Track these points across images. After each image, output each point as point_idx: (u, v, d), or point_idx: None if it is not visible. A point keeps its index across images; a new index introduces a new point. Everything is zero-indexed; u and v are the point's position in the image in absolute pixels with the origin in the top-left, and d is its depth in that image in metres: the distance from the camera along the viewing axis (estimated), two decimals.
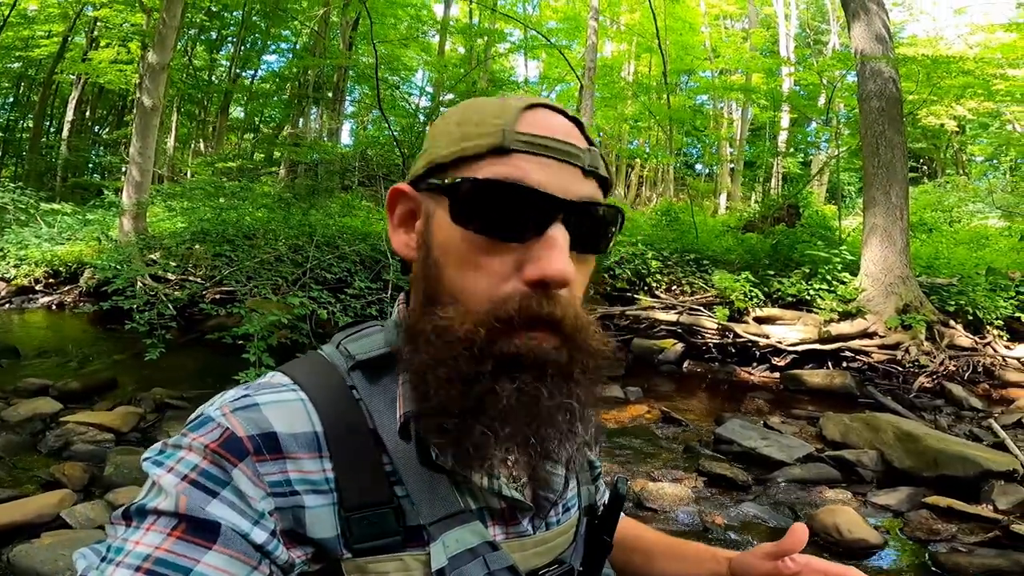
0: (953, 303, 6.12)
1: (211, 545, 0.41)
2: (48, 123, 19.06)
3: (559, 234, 0.48)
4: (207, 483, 0.43)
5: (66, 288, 8.83)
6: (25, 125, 19.65)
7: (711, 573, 0.72)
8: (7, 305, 8.67)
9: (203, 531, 0.42)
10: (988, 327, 6.03)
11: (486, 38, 17.47)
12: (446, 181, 0.50)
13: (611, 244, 0.55)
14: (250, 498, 0.44)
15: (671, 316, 6.36)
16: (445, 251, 0.51)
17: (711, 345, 6.20)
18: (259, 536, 0.43)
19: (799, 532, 0.61)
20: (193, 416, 0.48)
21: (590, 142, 0.53)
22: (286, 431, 0.47)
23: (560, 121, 0.52)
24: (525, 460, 0.54)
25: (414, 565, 0.48)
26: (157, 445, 0.47)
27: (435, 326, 0.49)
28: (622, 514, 0.86)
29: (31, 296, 8.92)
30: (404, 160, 9.11)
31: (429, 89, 19.36)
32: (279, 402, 0.49)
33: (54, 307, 8.51)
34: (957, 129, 12.57)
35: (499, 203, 0.48)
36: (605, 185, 0.54)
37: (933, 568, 2.52)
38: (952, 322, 6.03)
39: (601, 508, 0.68)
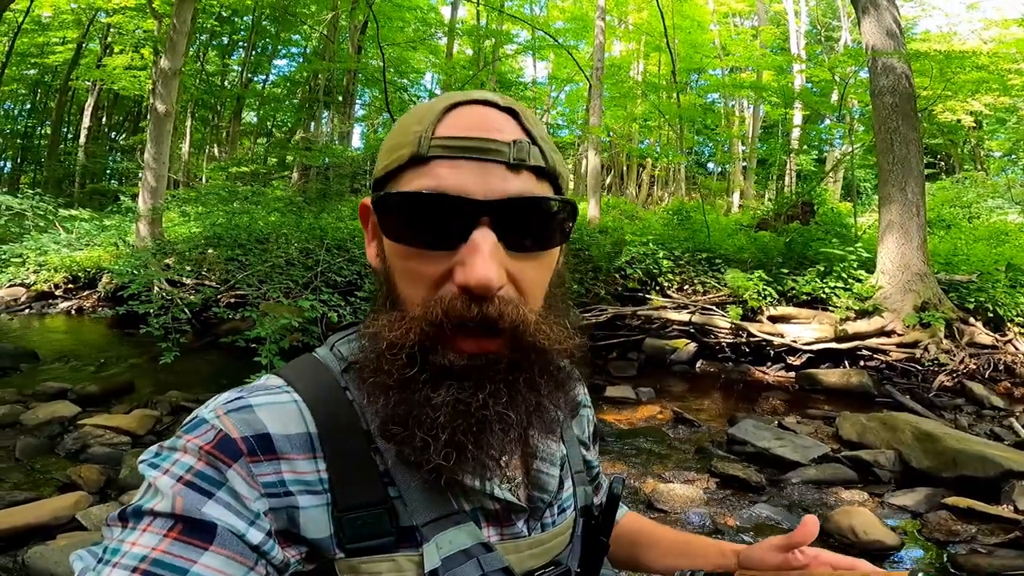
0: (972, 300, 6.00)
1: (207, 546, 0.41)
2: (65, 129, 19.43)
3: (482, 238, 0.47)
4: (202, 484, 0.44)
5: (85, 293, 8.99)
6: (43, 132, 20.06)
7: (717, 566, 0.72)
8: (27, 310, 8.84)
9: (199, 532, 0.42)
10: (1009, 324, 5.92)
11: (494, 40, 17.49)
12: (371, 199, 0.52)
13: (566, 236, 0.53)
14: (245, 499, 0.44)
15: (683, 316, 6.31)
16: (391, 262, 0.52)
17: (724, 345, 6.14)
18: (255, 536, 0.43)
19: (810, 524, 0.60)
20: (188, 418, 0.49)
21: (528, 132, 0.51)
22: (280, 432, 0.47)
23: (483, 115, 0.50)
24: (506, 461, 0.56)
25: (407, 566, 0.48)
26: (153, 447, 0.47)
27: (369, 334, 0.51)
28: (628, 509, 0.86)
29: (51, 301, 9.08)
30: None
31: (438, 91, 19.43)
32: (273, 403, 0.49)
33: (73, 312, 8.66)
34: (974, 124, 12.33)
35: (418, 214, 0.48)
36: (548, 176, 0.52)
37: (952, 570, 2.47)
38: (972, 319, 5.92)
39: (598, 508, 0.68)
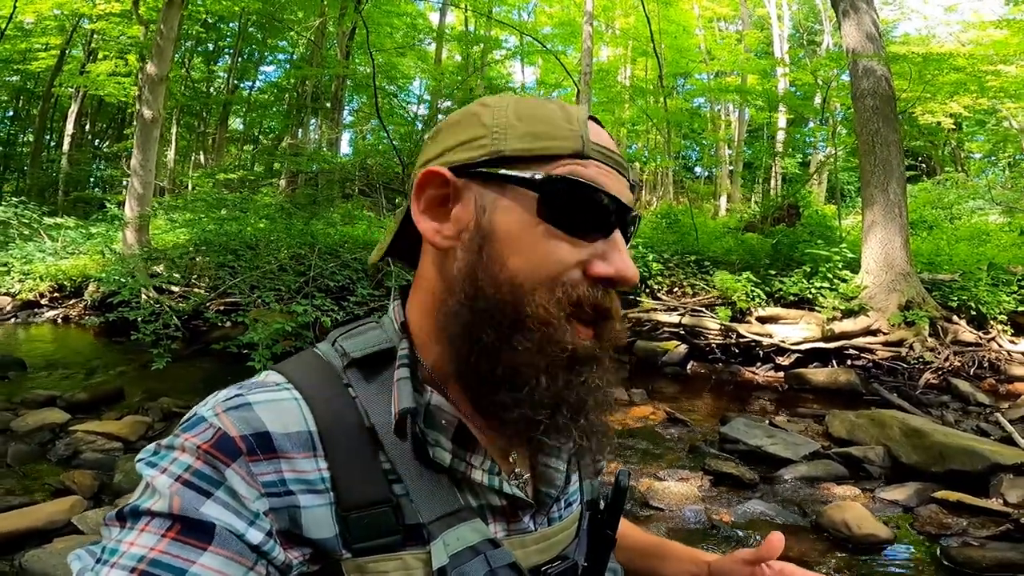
0: (956, 299, 6.12)
1: (206, 546, 0.41)
2: (48, 137, 19.15)
3: (621, 239, 0.53)
4: (201, 484, 0.43)
5: (71, 302, 8.87)
6: (25, 139, 19.76)
7: (690, 574, 0.74)
8: (13, 320, 8.70)
9: (198, 532, 0.41)
10: (992, 322, 6.04)
11: (482, 45, 17.57)
12: (534, 176, 0.50)
13: None
14: (244, 498, 0.44)
15: (673, 318, 6.37)
16: (512, 241, 0.50)
17: (714, 346, 6.20)
18: (255, 537, 0.43)
19: (775, 541, 0.63)
20: (186, 416, 0.48)
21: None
22: (279, 430, 0.47)
23: (608, 135, 0.56)
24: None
25: (414, 564, 0.47)
26: (151, 446, 0.47)
27: (531, 315, 0.49)
28: None
29: (36, 310, 8.95)
30: (404, 168, 9.15)
31: (427, 97, 19.46)
32: (272, 401, 0.48)
33: (59, 321, 8.54)
34: (954, 126, 12.61)
35: (584, 203, 0.51)
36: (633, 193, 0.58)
37: (945, 562, 2.52)
38: (955, 318, 6.04)
39: (603, 502, 0.68)
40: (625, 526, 0.82)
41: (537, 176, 0.50)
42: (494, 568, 0.49)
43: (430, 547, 0.48)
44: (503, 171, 0.51)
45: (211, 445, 0.44)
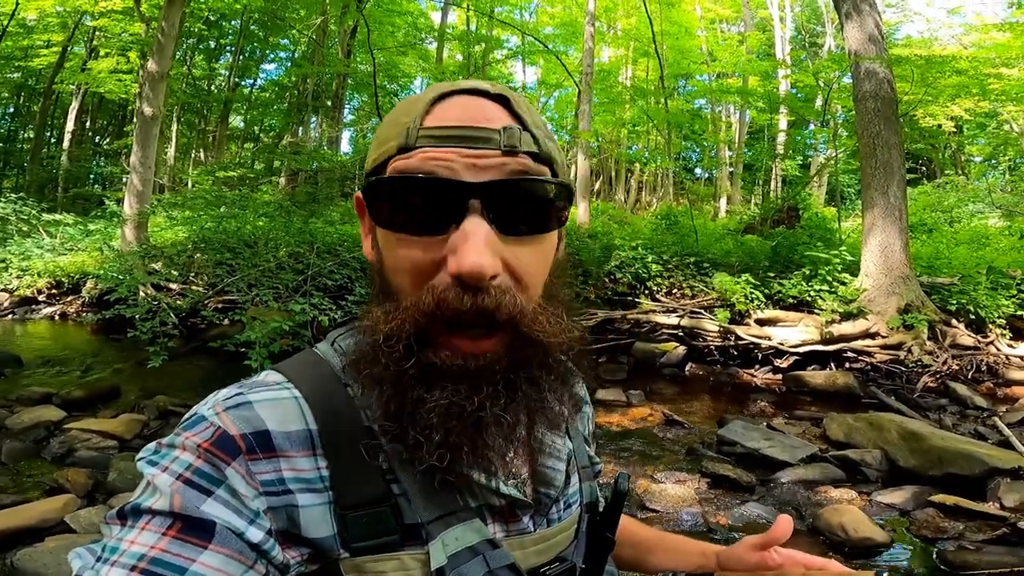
0: (955, 302, 6.11)
1: (206, 544, 0.41)
2: (49, 133, 19.15)
3: (474, 224, 0.45)
4: (201, 482, 0.43)
5: (69, 299, 8.86)
6: (26, 136, 19.76)
7: (698, 566, 0.73)
8: (10, 316, 8.69)
9: (198, 530, 0.41)
10: (990, 326, 6.03)
11: (483, 45, 17.56)
12: (365, 185, 0.50)
13: (563, 221, 0.53)
14: (244, 497, 0.44)
15: (672, 320, 6.37)
16: (383, 253, 0.51)
17: (713, 348, 6.20)
18: (255, 535, 0.43)
19: (784, 524, 0.63)
20: (187, 415, 0.48)
21: (520, 119, 0.50)
22: (279, 429, 0.47)
23: (472, 104, 0.49)
24: (511, 457, 0.54)
25: (413, 564, 0.47)
26: (152, 445, 0.46)
27: (365, 326, 0.50)
28: None
29: (33, 307, 8.94)
30: None
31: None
32: (272, 400, 0.48)
33: (56, 317, 8.53)
34: (954, 129, 12.61)
35: (407, 199, 0.47)
36: (542, 162, 0.50)
37: (941, 566, 2.51)
38: (954, 321, 6.03)
39: (602, 504, 0.67)
40: (629, 522, 0.82)
41: (364, 186, 0.50)
42: (493, 569, 0.49)
43: (428, 547, 0.48)
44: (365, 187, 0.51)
45: (211, 444, 0.44)
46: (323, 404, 0.50)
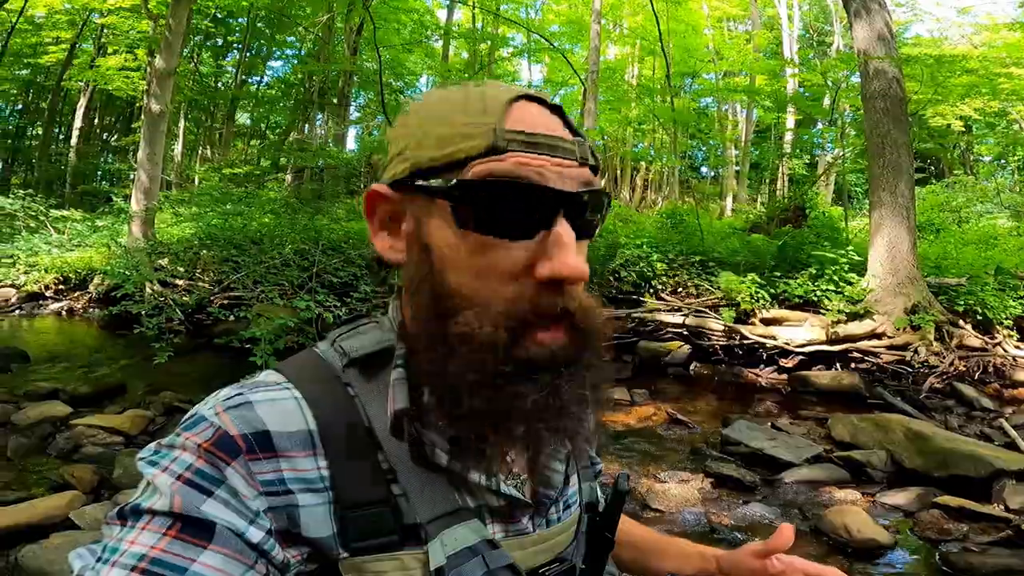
0: (962, 303, 6.06)
1: (206, 544, 0.41)
2: (57, 130, 19.28)
3: (566, 230, 0.47)
4: (201, 482, 0.43)
5: (76, 294, 8.92)
6: (34, 132, 19.89)
7: (698, 569, 0.73)
8: (17, 311, 8.75)
9: (198, 530, 0.41)
10: (998, 327, 5.98)
11: (489, 42, 17.53)
12: (445, 184, 0.48)
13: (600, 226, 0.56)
14: (244, 497, 0.44)
15: (677, 319, 6.34)
16: (448, 256, 0.49)
17: (718, 347, 6.17)
18: (255, 535, 0.43)
19: (786, 532, 0.63)
20: (187, 415, 0.48)
21: (573, 129, 0.52)
22: (279, 429, 0.47)
23: (544, 113, 0.51)
24: (513, 457, 0.56)
25: (412, 564, 0.48)
26: (152, 445, 0.47)
27: (458, 334, 0.47)
28: None
29: (41, 302, 9.00)
30: None
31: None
32: (272, 400, 0.49)
33: (64, 313, 8.58)
34: (963, 129, 12.51)
35: (501, 203, 0.47)
36: (595, 171, 0.53)
37: (944, 568, 2.50)
38: (961, 322, 5.98)
39: (602, 505, 0.68)
40: (630, 524, 0.82)
41: (448, 185, 0.48)
42: (492, 569, 0.49)
43: (428, 547, 0.48)
44: (421, 182, 0.49)
45: (211, 444, 0.44)
46: (323, 404, 0.50)
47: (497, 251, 0.47)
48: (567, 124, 0.52)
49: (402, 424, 0.50)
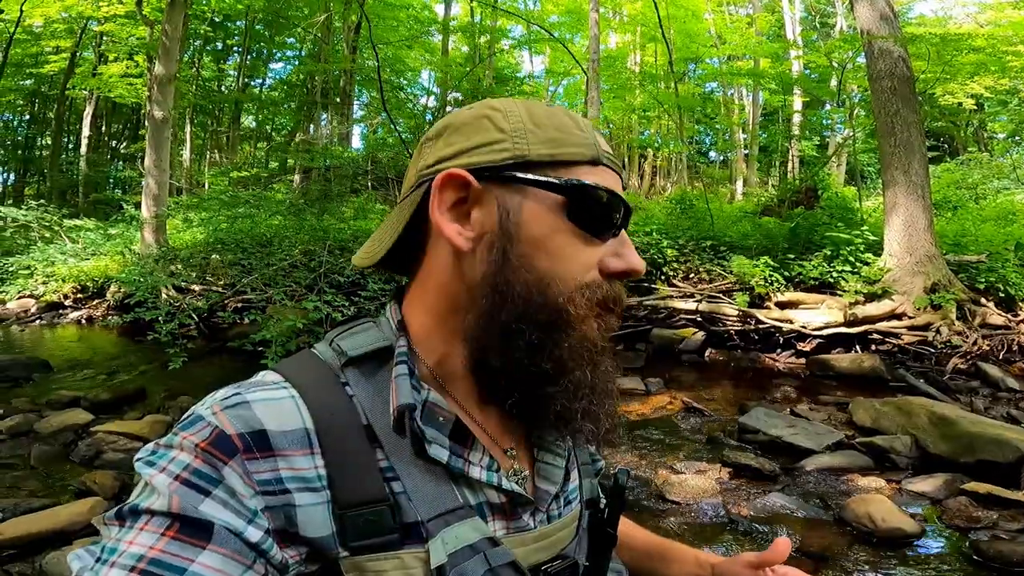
0: (983, 280, 5.94)
1: (205, 544, 0.41)
2: (66, 139, 19.48)
3: (627, 236, 0.58)
4: (199, 482, 0.43)
5: (94, 302, 9.04)
6: (44, 142, 20.11)
7: (693, 575, 0.74)
8: (38, 321, 8.88)
9: (196, 530, 0.41)
10: (1021, 304, 5.85)
11: (489, 35, 17.41)
12: (559, 180, 0.52)
13: None
14: (242, 496, 0.44)
15: (690, 305, 6.28)
16: (539, 244, 0.53)
17: (733, 332, 6.10)
18: (253, 535, 0.43)
19: (781, 545, 0.64)
20: (185, 416, 0.48)
21: None
22: (276, 428, 0.47)
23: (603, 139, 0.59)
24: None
25: (413, 563, 0.47)
26: (149, 446, 0.47)
27: (565, 310, 0.52)
28: None
29: (61, 311, 9.13)
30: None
31: (435, 89, 19.37)
32: (269, 399, 0.49)
33: (84, 321, 8.70)
34: (975, 107, 12.26)
35: (603, 207, 0.54)
36: None
37: (975, 557, 2.44)
38: (983, 300, 5.86)
39: (603, 501, 0.68)
40: (629, 526, 0.83)
41: (565, 181, 0.53)
42: (494, 567, 0.49)
43: (428, 545, 0.48)
44: (530, 175, 0.52)
45: (209, 443, 0.44)
46: (321, 403, 0.50)
47: (587, 245, 0.54)
48: None
49: (404, 420, 0.50)
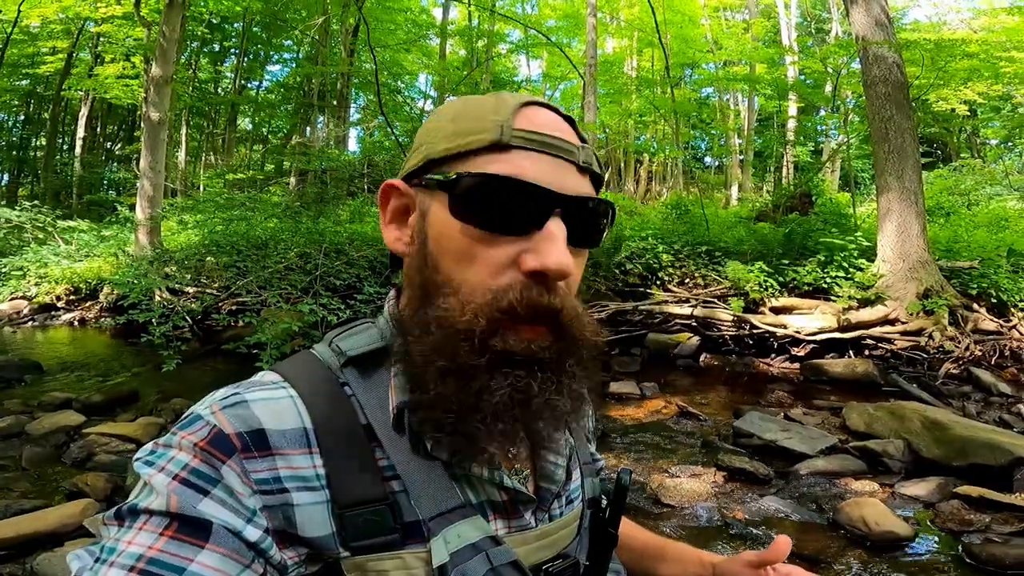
0: (975, 286, 5.99)
1: (204, 544, 0.41)
2: (61, 140, 19.39)
3: (557, 228, 0.49)
4: (198, 481, 0.43)
5: (87, 304, 8.98)
6: (38, 143, 20.02)
7: (694, 575, 0.74)
8: (30, 322, 8.82)
9: (195, 530, 0.41)
10: (1013, 309, 5.91)
11: (486, 40, 17.47)
12: (445, 176, 0.50)
13: (603, 237, 0.56)
14: (240, 495, 0.44)
15: (685, 310, 6.30)
16: (442, 244, 0.51)
17: (727, 337, 6.13)
18: (252, 534, 0.43)
19: (782, 544, 0.63)
20: (184, 415, 0.48)
21: (583, 139, 0.54)
22: (274, 427, 0.47)
23: (554, 118, 0.53)
24: (515, 452, 0.56)
25: (414, 563, 0.47)
26: (148, 445, 0.47)
27: (436, 317, 0.49)
28: None
29: (53, 313, 9.06)
30: None
31: (432, 93, 19.41)
32: (268, 399, 0.49)
33: (76, 323, 8.64)
34: (968, 113, 12.38)
35: (498, 197, 0.48)
36: (598, 181, 0.55)
37: (968, 560, 2.45)
38: (975, 305, 5.91)
39: (605, 500, 0.68)
40: (629, 526, 0.82)
41: (448, 176, 0.50)
42: (495, 566, 0.48)
43: (430, 544, 0.48)
44: (428, 175, 0.52)
45: (207, 442, 0.44)
46: (319, 402, 0.50)
47: (489, 244, 0.49)
48: (579, 135, 0.55)
49: (404, 418, 0.50)
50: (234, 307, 6.70)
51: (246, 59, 17.46)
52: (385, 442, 0.50)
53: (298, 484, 0.46)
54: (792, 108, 16.57)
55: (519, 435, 0.49)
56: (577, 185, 0.51)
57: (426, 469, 0.50)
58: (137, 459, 0.46)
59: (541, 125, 0.51)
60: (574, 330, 0.51)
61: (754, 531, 2.72)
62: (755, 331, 5.99)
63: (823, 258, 6.34)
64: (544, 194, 0.49)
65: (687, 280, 6.84)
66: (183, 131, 16.45)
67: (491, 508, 0.53)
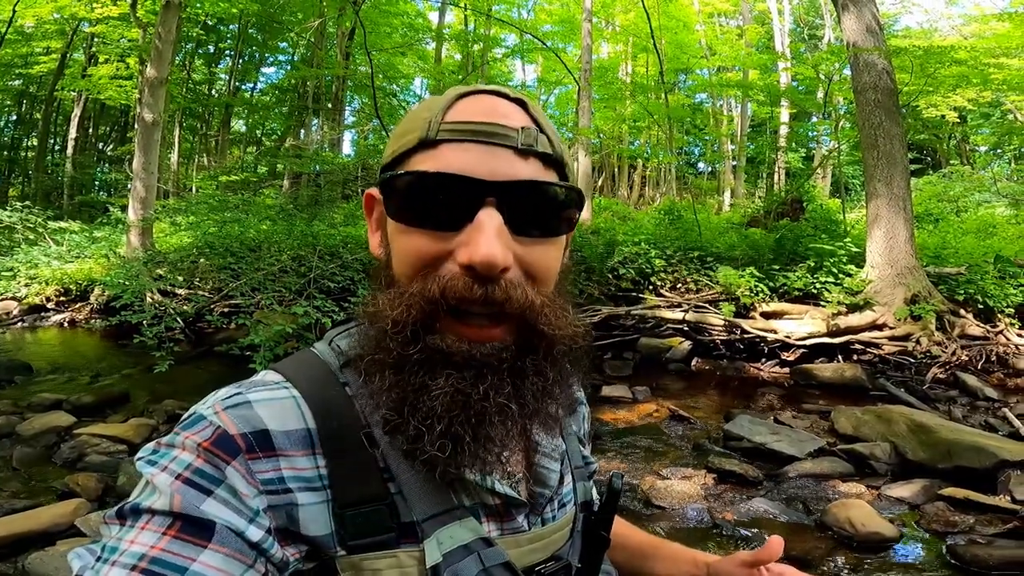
0: (962, 292, 6.07)
1: (206, 544, 0.41)
2: (52, 141, 19.24)
3: (487, 218, 0.47)
4: (201, 481, 0.43)
5: (77, 305, 8.90)
6: (30, 143, 19.86)
7: (688, 575, 0.74)
8: (20, 324, 8.74)
9: (198, 529, 0.41)
10: (999, 315, 5.98)
11: (482, 44, 17.53)
12: (383, 180, 0.51)
13: (572, 225, 0.54)
14: (244, 496, 0.44)
15: (677, 314, 6.34)
16: (392, 246, 0.53)
17: (719, 342, 6.17)
18: (254, 534, 0.43)
19: (775, 544, 0.63)
20: (186, 415, 0.48)
21: (537, 123, 0.52)
22: (278, 428, 0.47)
23: (491, 104, 0.51)
24: (507, 457, 0.55)
25: (408, 562, 0.48)
26: (151, 445, 0.47)
27: (368, 313, 0.51)
28: None
29: (43, 314, 8.98)
30: None
31: (427, 96, 19.42)
32: (271, 399, 0.49)
33: (66, 324, 8.57)
34: (958, 119, 12.53)
35: (426, 194, 0.48)
36: (555, 163, 0.53)
37: (952, 560, 2.49)
38: (962, 311, 5.98)
39: (597, 504, 0.68)
40: (624, 526, 0.82)
41: (384, 180, 0.51)
42: (487, 567, 0.49)
43: (423, 545, 0.48)
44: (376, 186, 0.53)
45: (211, 443, 0.45)
46: (321, 403, 0.50)
47: (424, 239, 0.49)
48: (531, 116, 0.52)
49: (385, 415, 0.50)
50: (227, 309, 6.67)
51: (241, 61, 17.43)
52: (383, 444, 0.50)
53: (301, 485, 0.47)
54: (784, 114, 16.71)
55: (465, 440, 0.47)
56: (513, 169, 0.48)
57: (421, 471, 0.50)
58: (139, 458, 0.46)
59: (472, 114, 0.49)
60: (536, 324, 0.49)
61: (743, 532, 2.76)
62: (746, 336, 6.04)
63: (813, 264, 6.40)
64: (470, 184, 0.47)
65: (679, 285, 6.88)
66: (176, 132, 16.38)
67: (484, 511, 0.53)
